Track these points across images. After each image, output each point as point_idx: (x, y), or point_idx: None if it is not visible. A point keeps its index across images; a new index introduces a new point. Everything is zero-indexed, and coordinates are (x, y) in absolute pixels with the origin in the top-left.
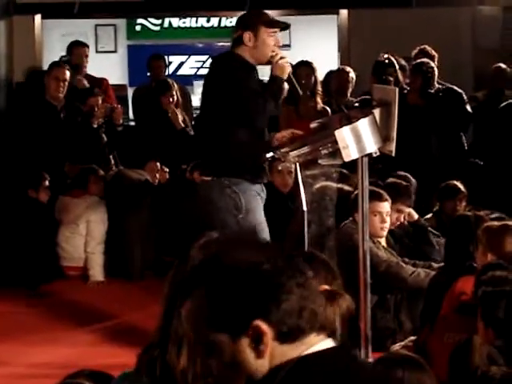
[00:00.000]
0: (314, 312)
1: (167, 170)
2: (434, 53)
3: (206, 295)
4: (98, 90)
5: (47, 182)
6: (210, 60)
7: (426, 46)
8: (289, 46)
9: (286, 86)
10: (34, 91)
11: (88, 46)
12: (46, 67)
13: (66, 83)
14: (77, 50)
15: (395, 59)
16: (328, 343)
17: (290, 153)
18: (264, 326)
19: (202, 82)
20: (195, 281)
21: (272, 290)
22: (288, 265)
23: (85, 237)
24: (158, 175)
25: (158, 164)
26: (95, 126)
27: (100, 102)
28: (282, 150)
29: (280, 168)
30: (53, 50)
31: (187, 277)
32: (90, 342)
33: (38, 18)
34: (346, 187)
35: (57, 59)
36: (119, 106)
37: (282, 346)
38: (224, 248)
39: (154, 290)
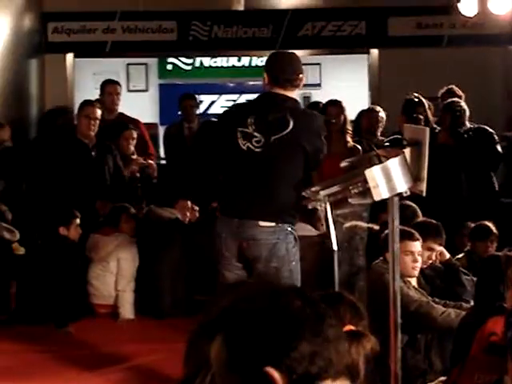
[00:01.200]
0: (328, 359)
1: (197, 208)
2: (460, 93)
3: (225, 340)
4: (133, 132)
5: (78, 220)
6: (240, 98)
7: (454, 86)
8: (319, 85)
9: None
10: (66, 129)
11: (120, 84)
12: (77, 106)
13: (97, 121)
14: (109, 88)
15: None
16: None
17: (321, 192)
18: (275, 374)
19: None
20: (217, 325)
21: (284, 338)
22: (304, 311)
23: (115, 275)
24: (188, 213)
25: (189, 202)
26: (127, 174)
27: (134, 135)
28: (313, 189)
29: (310, 207)
30: (84, 89)
31: (211, 320)
32: (120, 380)
33: (69, 56)
34: (376, 226)
35: (88, 98)
36: (153, 162)
37: None
38: (243, 294)
39: (184, 329)
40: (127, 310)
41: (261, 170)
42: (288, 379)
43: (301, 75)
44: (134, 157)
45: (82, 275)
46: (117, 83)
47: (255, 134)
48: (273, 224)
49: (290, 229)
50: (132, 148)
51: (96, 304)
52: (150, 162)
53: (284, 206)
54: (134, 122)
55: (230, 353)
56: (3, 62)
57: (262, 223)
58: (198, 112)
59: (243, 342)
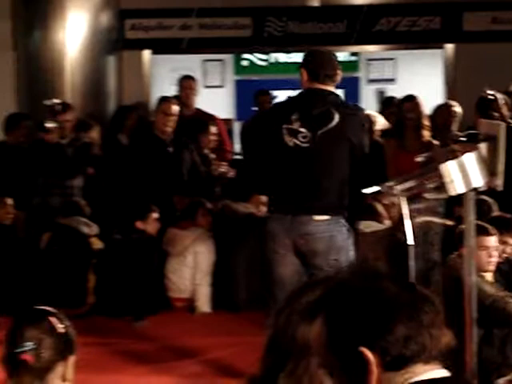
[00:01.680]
0: (422, 343)
1: None
2: None
3: (326, 320)
4: (212, 127)
5: (156, 214)
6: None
7: None
8: (394, 80)
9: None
10: (143, 126)
11: (196, 80)
12: (154, 102)
13: (174, 117)
14: (185, 83)
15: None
16: (437, 373)
17: (396, 187)
18: (369, 355)
19: None
20: (318, 307)
21: (380, 320)
22: (401, 295)
23: (192, 268)
24: (262, 208)
25: (263, 197)
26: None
27: (214, 131)
28: (388, 184)
29: (386, 202)
30: (161, 85)
31: (311, 303)
32: (196, 373)
33: (147, 53)
34: (451, 222)
35: (165, 94)
36: (230, 169)
37: (387, 373)
38: (345, 278)
39: (260, 323)
40: (204, 304)
41: (310, 165)
42: (382, 360)
43: (339, 71)
44: (213, 156)
45: (159, 269)
46: (192, 78)
47: (301, 129)
48: (327, 217)
49: (343, 220)
50: (213, 143)
51: (173, 297)
52: (227, 170)
53: (335, 198)
54: (211, 118)
55: (329, 333)
56: (82, 59)
57: (316, 217)
58: None
59: (342, 322)
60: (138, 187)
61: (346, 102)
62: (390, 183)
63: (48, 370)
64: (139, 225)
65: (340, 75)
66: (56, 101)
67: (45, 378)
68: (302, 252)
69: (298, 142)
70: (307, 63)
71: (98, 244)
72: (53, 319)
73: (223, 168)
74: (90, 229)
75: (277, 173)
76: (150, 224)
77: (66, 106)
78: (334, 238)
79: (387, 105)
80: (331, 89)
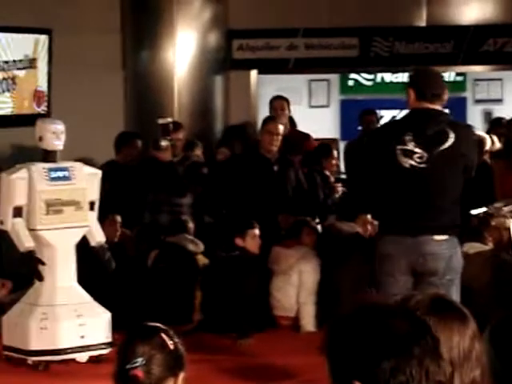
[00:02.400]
0: (410, 374)
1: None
2: None
3: (328, 355)
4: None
5: (256, 231)
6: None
7: None
8: (501, 100)
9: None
10: (249, 145)
11: (287, 100)
12: (260, 122)
13: (279, 137)
14: (276, 103)
15: None
16: None
17: (504, 208)
18: None
19: None
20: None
21: (370, 356)
22: (398, 329)
23: (297, 287)
24: (369, 228)
25: (369, 217)
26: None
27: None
28: (496, 205)
29: (494, 223)
30: (267, 105)
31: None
32: None
33: (253, 73)
34: None
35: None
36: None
37: None
38: (347, 315)
39: None
40: (308, 323)
41: (427, 185)
42: None
43: (446, 90)
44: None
45: (264, 287)
46: (284, 99)
47: (416, 150)
48: (446, 237)
49: (457, 241)
50: (335, 167)
51: (278, 316)
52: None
53: (451, 217)
54: (307, 137)
55: (330, 366)
56: (190, 78)
57: (436, 237)
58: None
59: (337, 358)
60: (243, 205)
61: (458, 121)
62: (498, 204)
63: None
64: (238, 242)
65: (447, 94)
66: (169, 119)
67: None
68: (418, 272)
69: (413, 163)
70: (414, 82)
71: (203, 261)
72: (164, 336)
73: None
74: (196, 246)
75: (391, 194)
76: (249, 240)
77: (177, 125)
78: (452, 258)
79: (495, 125)
80: (439, 108)
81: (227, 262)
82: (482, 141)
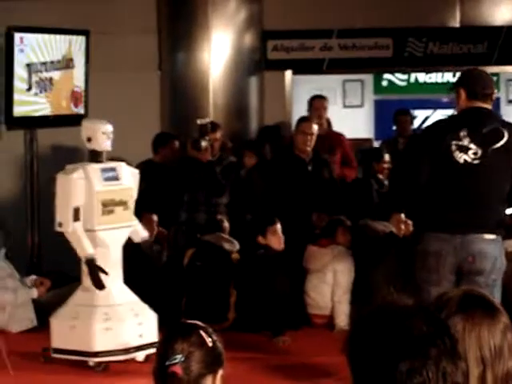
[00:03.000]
0: (426, 375)
1: (411, 222)
2: None
3: (348, 358)
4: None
5: (278, 226)
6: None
7: None
8: None
9: None
10: (284, 145)
11: (327, 99)
12: (295, 122)
13: (314, 137)
14: (317, 103)
15: None
16: None
17: None
18: None
19: None
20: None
21: (389, 357)
22: (415, 330)
23: (331, 286)
24: (403, 227)
25: (403, 216)
26: None
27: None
28: None
29: None
30: (302, 105)
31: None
32: None
33: (288, 73)
34: None
35: (305, 114)
36: None
37: None
38: (366, 315)
39: None
40: (343, 321)
41: (480, 182)
42: None
43: (495, 90)
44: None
45: (299, 285)
46: (324, 98)
47: (471, 146)
48: (494, 237)
49: (501, 240)
50: (387, 170)
51: (313, 314)
52: None
53: (499, 217)
54: (340, 137)
55: (351, 369)
56: (226, 78)
57: (486, 236)
58: (412, 127)
59: (357, 361)
60: (277, 206)
61: (510, 121)
62: None
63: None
64: (260, 240)
65: (496, 94)
66: (208, 120)
67: None
68: (465, 271)
69: (468, 159)
70: (465, 82)
71: (239, 260)
72: (202, 333)
73: None
74: (232, 245)
75: (443, 189)
76: (271, 237)
77: (215, 126)
78: (498, 258)
79: None
80: (490, 107)
81: (254, 260)
82: None
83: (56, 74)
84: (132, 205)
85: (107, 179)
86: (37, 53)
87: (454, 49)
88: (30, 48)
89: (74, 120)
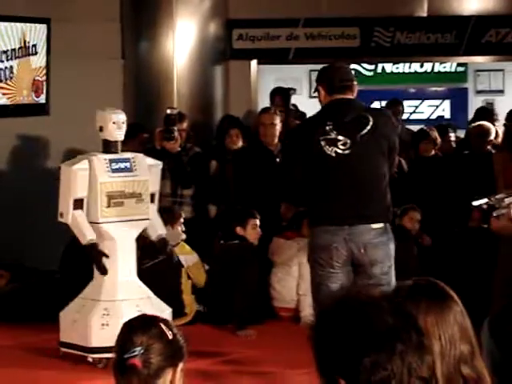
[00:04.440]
0: (391, 369)
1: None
2: None
3: (313, 351)
4: None
5: (257, 221)
6: (422, 105)
7: None
8: (502, 91)
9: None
10: (254, 135)
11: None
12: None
13: (276, 127)
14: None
15: None
16: None
17: (506, 199)
18: (342, 382)
19: (414, 127)
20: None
21: (353, 352)
22: (380, 324)
23: (297, 279)
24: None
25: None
26: None
27: None
28: (497, 197)
29: (495, 214)
30: (267, 95)
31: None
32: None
33: (253, 63)
34: None
35: (268, 104)
36: None
37: None
38: (330, 308)
39: None
40: (309, 314)
41: (356, 171)
42: None
43: (355, 82)
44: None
45: (264, 278)
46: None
47: (339, 137)
48: (382, 225)
49: (389, 227)
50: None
51: (278, 307)
52: None
53: (385, 204)
54: None
55: (316, 361)
56: (190, 68)
57: (374, 226)
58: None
59: (321, 353)
60: (246, 196)
61: (373, 107)
62: (500, 196)
63: (156, 377)
64: (239, 230)
65: (356, 85)
66: (177, 110)
67: None
68: (359, 262)
69: (339, 151)
70: (323, 79)
71: (185, 251)
72: (162, 326)
73: None
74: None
75: (321, 184)
76: (249, 230)
77: (181, 116)
78: (388, 245)
79: (483, 115)
80: (351, 97)
81: (226, 250)
82: (486, 131)
83: (16, 63)
84: (147, 197)
85: (116, 170)
86: None
87: (422, 39)
88: None
89: (35, 110)
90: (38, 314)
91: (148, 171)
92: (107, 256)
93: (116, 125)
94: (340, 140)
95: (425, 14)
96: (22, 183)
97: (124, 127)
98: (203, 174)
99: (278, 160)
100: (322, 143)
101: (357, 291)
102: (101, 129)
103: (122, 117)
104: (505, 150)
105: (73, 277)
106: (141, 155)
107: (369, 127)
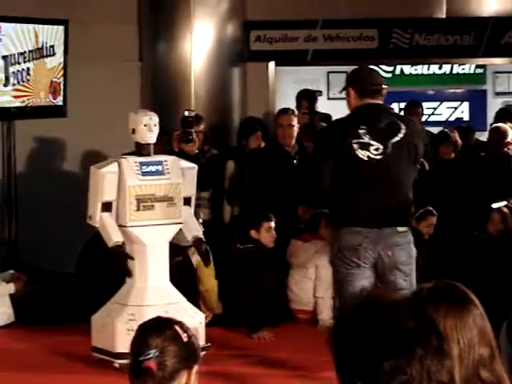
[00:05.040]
0: (411, 374)
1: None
2: None
3: (333, 355)
4: None
5: (272, 223)
6: (441, 107)
7: None
8: None
9: None
10: (270, 136)
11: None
12: None
13: (294, 128)
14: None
15: None
16: None
17: None
18: None
19: (432, 129)
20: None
21: (371, 356)
22: (400, 327)
23: (314, 281)
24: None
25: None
26: None
27: None
28: None
29: None
30: (285, 97)
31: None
32: None
33: (271, 64)
34: None
35: (289, 106)
36: None
37: None
38: (350, 311)
39: None
40: (327, 317)
41: (386, 176)
42: None
43: (384, 85)
44: None
45: (281, 280)
46: (293, 113)
47: (371, 142)
48: (406, 228)
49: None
50: None
51: (295, 309)
52: None
53: (411, 208)
54: None
55: (336, 366)
56: (207, 69)
57: (399, 229)
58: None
59: (341, 357)
60: (263, 198)
61: (403, 115)
62: None
63: (171, 379)
64: (253, 234)
65: (385, 89)
66: (194, 112)
67: None
68: (385, 264)
69: (371, 155)
70: (354, 81)
71: None
72: (177, 328)
73: None
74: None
75: (353, 187)
76: (264, 233)
77: (199, 118)
78: (412, 247)
79: (504, 116)
80: (381, 102)
81: (240, 254)
82: (503, 133)
83: (33, 65)
84: (180, 201)
85: (147, 173)
86: (15, 42)
87: (440, 40)
88: (8, 38)
89: (53, 111)
90: (54, 316)
91: (181, 174)
92: (132, 258)
93: (147, 127)
94: (373, 145)
95: (443, 16)
96: (38, 185)
97: (156, 130)
98: (220, 175)
99: (295, 161)
100: (355, 146)
101: (377, 294)
102: (133, 131)
103: (154, 119)
104: None
105: (89, 279)
106: (174, 158)
107: (401, 135)
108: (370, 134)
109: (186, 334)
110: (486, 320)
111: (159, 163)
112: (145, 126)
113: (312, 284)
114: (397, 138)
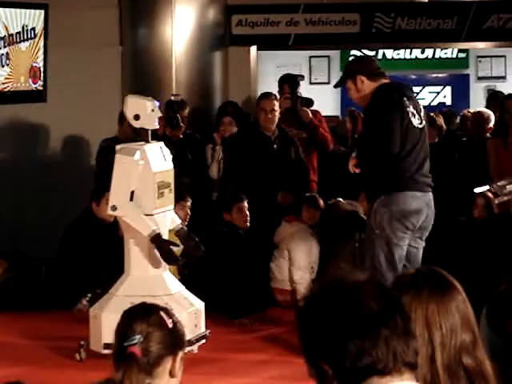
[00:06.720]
0: (376, 355)
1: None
2: None
3: (299, 336)
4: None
5: (244, 204)
6: (423, 91)
7: None
8: (504, 77)
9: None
10: (250, 122)
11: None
12: None
13: (275, 113)
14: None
15: None
16: None
17: (507, 186)
18: (327, 368)
19: None
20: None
21: (336, 337)
22: (365, 309)
23: (288, 262)
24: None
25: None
26: None
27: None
28: (499, 184)
29: (497, 202)
30: (267, 81)
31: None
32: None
33: (253, 49)
34: None
35: (271, 90)
36: None
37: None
38: (315, 292)
39: None
40: None
41: (425, 144)
42: (338, 371)
43: None
44: None
45: (265, 265)
46: (275, 98)
47: (414, 111)
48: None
49: None
50: None
51: (274, 288)
52: None
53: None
54: (315, 114)
55: (302, 347)
56: (189, 54)
57: (432, 195)
58: None
59: (306, 339)
60: (242, 183)
61: None
62: (501, 183)
63: (156, 365)
64: (226, 217)
65: None
66: (179, 97)
67: (152, 373)
68: (421, 226)
69: (416, 124)
70: (359, 70)
71: None
72: (162, 314)
73: None
74: None
75: (410, 152)
76: (236, 214)
77: (183, 103)
78: None
79: (492, 100)
80: None
81: (215, 239)
82: (487, 118)
83: (13, 49)
84: (173, 187)
85: (162, 160)
86: None
87: (423, 24)
88: None
89: (33, 96)
90: (35, 301)
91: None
92: (176, 245)
93: (154, 112)
94: (415, 114)
95: (426, 0)
96: (18, 170)
97: (159, 115)
98: (201, 160)
99: (275, 146)
100: (410, 114)
101: (342, 276)
102: (137, 117)
103: (158, 104)
104: (497, 135)
105: (71, 264)
106: (161, 143)
107: (423, 109)
108: (411, 105)
109: (171, 320)
110: (469, 306)
111: (161, 149)
112: (152, 110)
113: (287, 264)
114: (422, 112)
